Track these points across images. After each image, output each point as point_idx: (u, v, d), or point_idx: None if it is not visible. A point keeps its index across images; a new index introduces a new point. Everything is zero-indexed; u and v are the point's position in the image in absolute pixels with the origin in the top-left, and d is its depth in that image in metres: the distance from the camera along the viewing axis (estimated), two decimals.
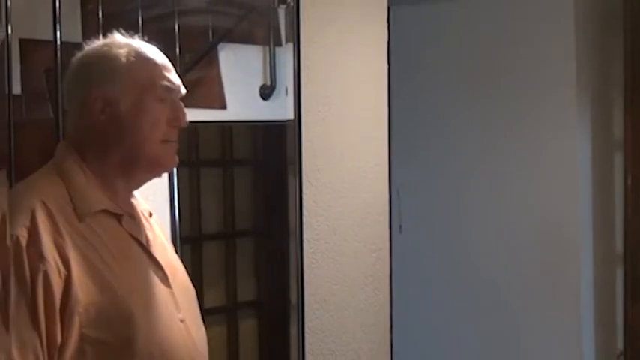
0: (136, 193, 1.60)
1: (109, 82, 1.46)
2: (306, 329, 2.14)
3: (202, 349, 1.55)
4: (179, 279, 1.56)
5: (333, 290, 2.31)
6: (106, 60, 1.47)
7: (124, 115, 1.45)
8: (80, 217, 1.40)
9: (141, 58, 1.49)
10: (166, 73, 1.50)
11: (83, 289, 1.34)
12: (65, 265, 1.33)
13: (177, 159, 1.52)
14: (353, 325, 2.38)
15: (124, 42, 1.50)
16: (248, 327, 2.22)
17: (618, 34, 3.06)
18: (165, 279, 1.49)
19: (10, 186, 1.44)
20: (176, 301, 1.50)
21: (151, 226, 1.56)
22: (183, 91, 1.53)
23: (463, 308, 3.45)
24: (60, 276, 1.32)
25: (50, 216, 1.36)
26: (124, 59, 1.47)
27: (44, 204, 1.36)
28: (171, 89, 1.50)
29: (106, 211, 1.45)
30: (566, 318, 3.21)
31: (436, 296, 3.53)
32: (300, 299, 2.12)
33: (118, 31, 1.50)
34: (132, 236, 1.47)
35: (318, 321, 2.26)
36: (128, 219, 1.49)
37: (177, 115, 1.50)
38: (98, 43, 1.50)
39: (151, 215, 1.60)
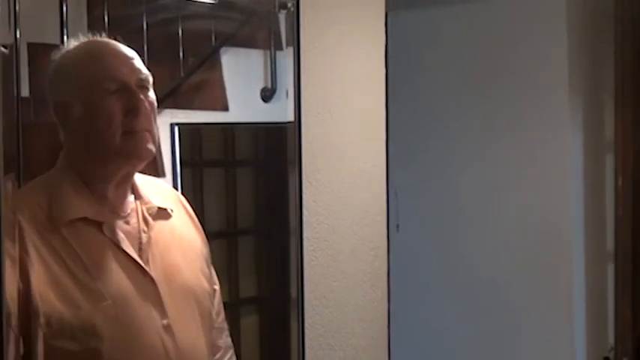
0: (148, 191, 1.58)
1: (61, 88, 1.45)
2: (306, 325, 2.14)
3: (192, 353, 1.51)
4: (179, 281, 1.52)
5: (332, 287, 2.31)
6: (58, 67, 1.46)
7: (79, 117, 1.43)
8: (53, 227, 1.38)
9: (86, 57, 1.46)
10: (117, 64, 1.45)
11: (44, 302, 1.33)
12: (24, 279, 1.31)
13: (150, 148, 1.46)
14: (351, 321, 2.38)
15: (74, 45, 1.47)
16: (250, 322, 2.22)
17: (609, 40, 3.06)
18: (150, 285, 1.46)
19: (19, 187, 1.43)
20: (162, 306, 1.46)
21: (149, 227, 1.51)
22: (145, 76, 1.47)
23: (459, 305, 3.45)
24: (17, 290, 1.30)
25: (18, 229, 1.33)
26: (70, 63, 1.45)
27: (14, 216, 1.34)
28: (123, 79, 1.44)
29: (85, 219, 1.42)
30: (560, 314, 3.21)
31: (432, 293, 3.53)
32: (300, 295, 2.12)
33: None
34: (113, 243, 1.44)
35: (317, 317, 2.26)
36: (112, 225, 1.45)
37: (134, 104, 1.43)
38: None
39: (165, 214, 1.56)
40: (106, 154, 1.43)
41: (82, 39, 1.49)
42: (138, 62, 1.49)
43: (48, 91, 1.48)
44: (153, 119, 1.48)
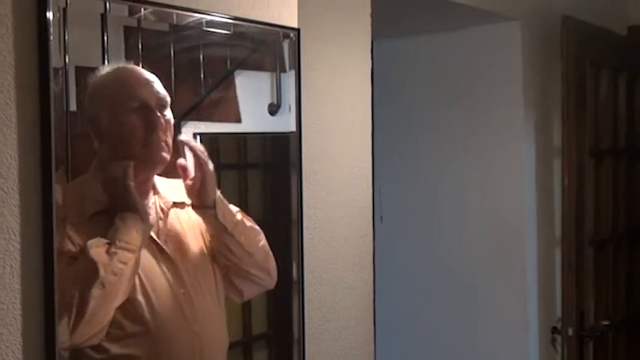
0: (166, 189, 1.59)
1: (93, 105, 1.47)
2: (305, 300, 2.15)
3: (207, 317, 1.53)
4: (193, 258, 1.55)
5: (327, 269, 2.32)
6: (92, 88, 1.48)
7: (107, 129, 1.45)
8: (86, 215, 1.42)
9: (114, 80, 1.48)
10: (139, 86, 1.47)
11: None
12: None
13: (164, 156, 1.48)
14: (343, 297, 2.38)
15: (106, 71, 1.49)
16: (258, 299, 2.22)
17: (557, 62, 3.08)
18: (169, 262, 1.49)
19: (67, 181, 1.45)
20: (180, 278, 1.49)
21: (165, 216, 1.54)
22: (163, 97, 1.48)
23: (432, 284, 3.47)
24: None
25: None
26: (101, 85, 1.47)
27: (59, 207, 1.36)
28: (142, 99, 1.46)
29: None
30: (515, 291, 3.23)
31: (409, 274, 3.55)
32: (300, 276, 2.12)
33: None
34: None
35: (315, 294, 2.27)
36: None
37: (153, 120, 1.46)
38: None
39: (180, 205, 1.58)
40: (128, 160, 1.45)
41: (113, 65, 1.51)
42: (157, 85, 1.50)
43: (85, 108, 1.50)
44: (168, 133, 1.50)
